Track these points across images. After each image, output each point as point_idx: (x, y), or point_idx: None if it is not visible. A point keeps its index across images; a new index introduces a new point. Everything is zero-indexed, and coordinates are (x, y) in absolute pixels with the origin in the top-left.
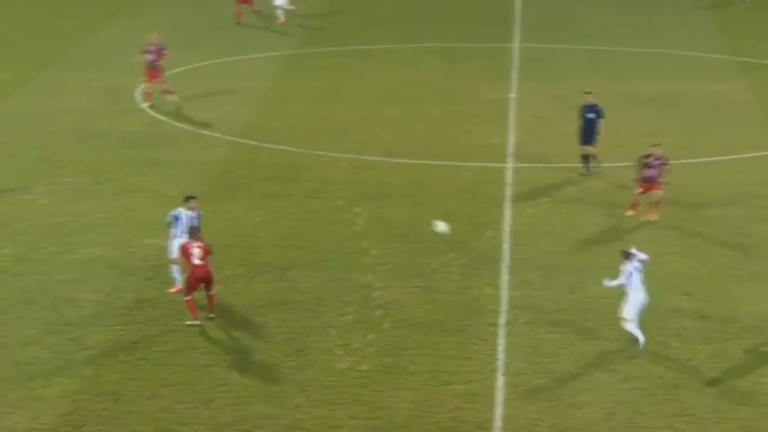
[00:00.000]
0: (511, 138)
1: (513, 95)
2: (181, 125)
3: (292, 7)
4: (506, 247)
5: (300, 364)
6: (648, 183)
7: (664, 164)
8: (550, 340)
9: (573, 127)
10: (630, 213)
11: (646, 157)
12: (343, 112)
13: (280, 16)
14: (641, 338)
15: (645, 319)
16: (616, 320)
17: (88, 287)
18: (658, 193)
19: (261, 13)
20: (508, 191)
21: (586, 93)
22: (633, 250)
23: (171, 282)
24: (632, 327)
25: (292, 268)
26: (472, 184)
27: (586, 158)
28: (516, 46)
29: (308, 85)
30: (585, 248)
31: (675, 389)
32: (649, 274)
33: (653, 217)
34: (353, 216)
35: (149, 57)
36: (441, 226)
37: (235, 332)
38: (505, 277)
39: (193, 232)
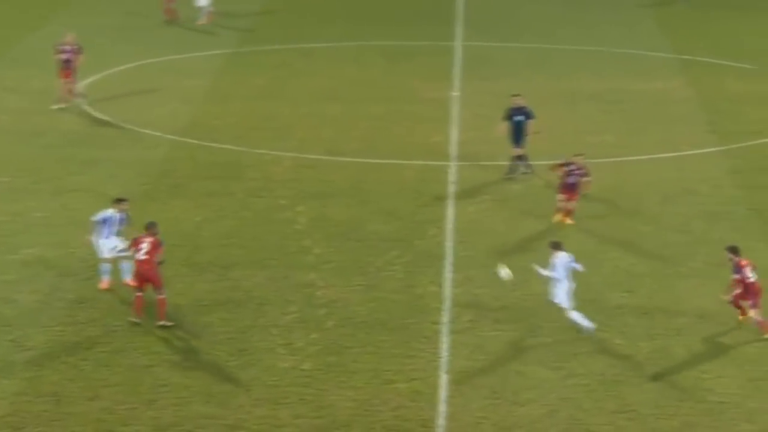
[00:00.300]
0: (454, 136)
1: (456, 93)
2: (121, 124)
3: (211, 9)
4: (449, 245)
5: (243, 363)
6: (569, 191)
7: (584, 175)
8: (494, 337)
9: None
10: (557, 218)
11: (568, 164)
12: (286, 110)
13: (202, 16)
14: (588, 324)
15: (586, 317)
16: (559, 317)
17: (28, 288)
18: (573, 203)
19: (176, 13)
20: (451, 189)
21: (514, 95)
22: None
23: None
24: (575, 316)
25: (235, 267)
26: (415, 183)
27: (519, 158)
28: (458, 44)
29: (250, 83)
30: (527, 246)
31: (617, 385)
32: (592, 272)
33: (569, 220)
34: (296, 215)
35: (63, 57)
36: (504, 273)
37: (178, 332)
38: (448, 275)
39: (151, 226)
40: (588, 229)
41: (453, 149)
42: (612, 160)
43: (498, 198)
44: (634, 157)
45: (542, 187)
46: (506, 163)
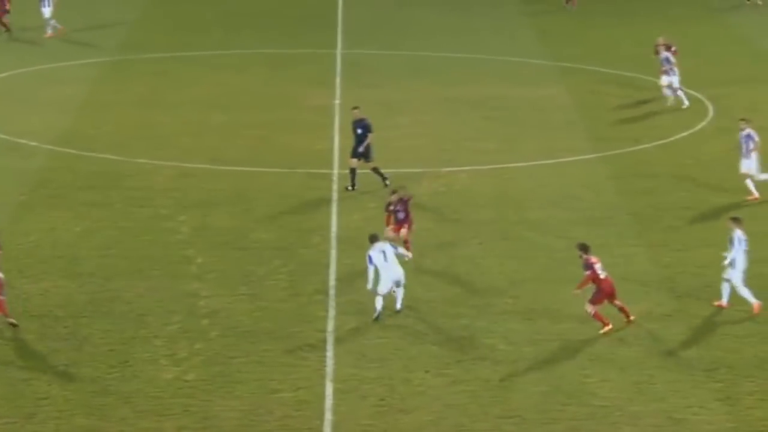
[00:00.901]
0: (337, 144)
1: (338, 101)
2: None
3: (57, 25)
4: (333, 252)
5: (125, 375)
6: (399, 224)
7: (407, 201)
8: (379, 345)
9: (398, 132)
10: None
11: (389, 205)
12: (167, 119)
13: (48, 29)
14: (379, 308)
15: (471, 323)
16: (443, 324)
17: None
18: (404, 231)
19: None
20: (335, 197)
21: (354, 108)
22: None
23: None
24: (379, 301)
25: (116, 278)
26: (299, 190)
27: (353, 171)
28: (339, 52)
29: (129, 92)
30: (413, 253)
31: (502, 391)
32: (476, 278)
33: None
34: (178, 224)
35: None
36: None
37: (57, 344)
38: (332, 283)
39: None
40: (472, 235)
41: (336, 157)
42: (493, 167)
43: (382, 205)
44: (516, 164)
45: (428, 194)
46: (391, 170)
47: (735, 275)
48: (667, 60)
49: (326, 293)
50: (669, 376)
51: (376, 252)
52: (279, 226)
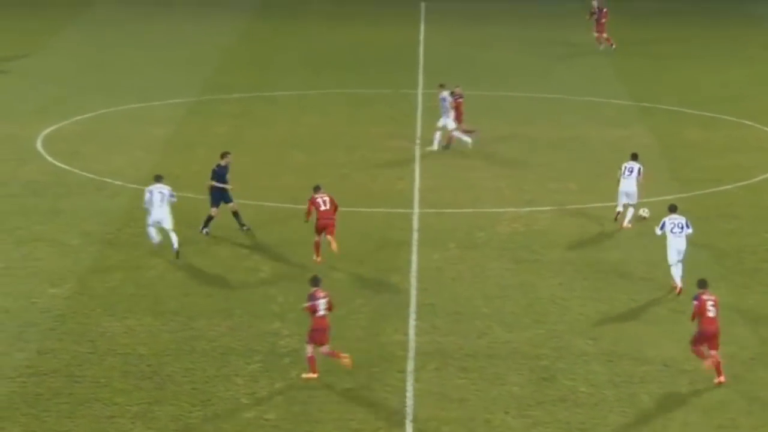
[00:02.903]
0: (417, 183)
1: (418, 141)
2: (83, 173)
3: None
4: (414, 292)
5: (206, 414)
6: (325, 230)
7: (334, 207)
8: (459, 386)
9: (476, 172)
10: (317, 259)
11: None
12: (248, 158)
13: None
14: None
15: (552, 364)
16: (523, 364)
17: None
18: (330, 237)
19: None
20: (415, 237)
21: (223, 153)
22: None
23: (75, 332)
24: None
25: (199, 316)
26: (379, 230)
27: (234, 215)
28: (420, 91)
29: (212, 132)
30: (492, 293)
31: None
32: (556, 318)
33: (334, 245)
34: (259, 263)
35: None
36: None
37: (140, 382)
38: (412, 323)
39: None
40: (552, 275)
41: (416, 197)
42: (574, 207)
43: (462, 245)
44: (596, 204)
45: (508, 235)
46: (471, 210)
47: None
48: (444, 100)
49: (406, 333)
50: (753, 420)
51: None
52: (359, 265)
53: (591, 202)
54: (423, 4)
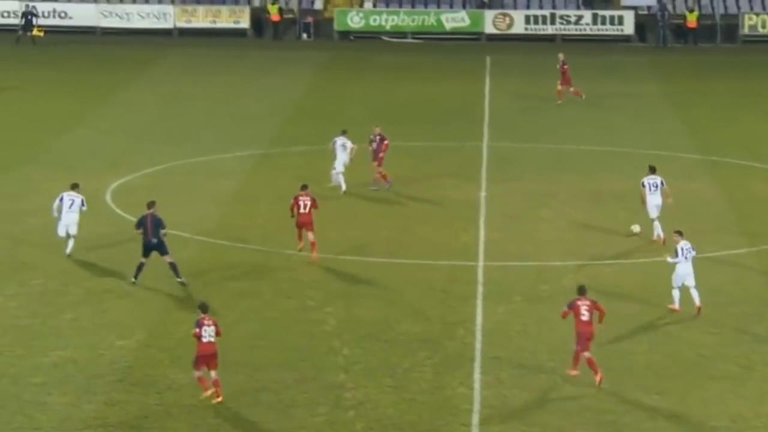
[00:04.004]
0: (482, 236)
1: (483, 193)
2: None
3: None
4: (478, 346)
5: None
6: (304, 227)
7: (314, 207)
8: None
9: (541, 224)
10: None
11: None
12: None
13: None
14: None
15: (618, 419)
16: (589, 419)
17: (58, 390)
18: (310, 234)
19: None
20: (480, 289)
21: (149, 203)
22: None
23: (143, 384)
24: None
25: (264, 368)
26: (443, 283)
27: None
28: (485, 144)
29: (278, 184)
30: (557, 347)
31: None
32: (622, 373)
33: (315, 255)
34: (324, 315)
35: None
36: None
37: None
38: (477, 377)
39: None
40: (617, 328)
41: (481, 250)
42: (639, 260)
43: (528, 298)
44: (662, 258)
45: (573, 287)
46: (535, 263)
47: None
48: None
49: (471, 386)
50: None
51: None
52: (424, 318)
53: (656, 256)
54: (488, 58)
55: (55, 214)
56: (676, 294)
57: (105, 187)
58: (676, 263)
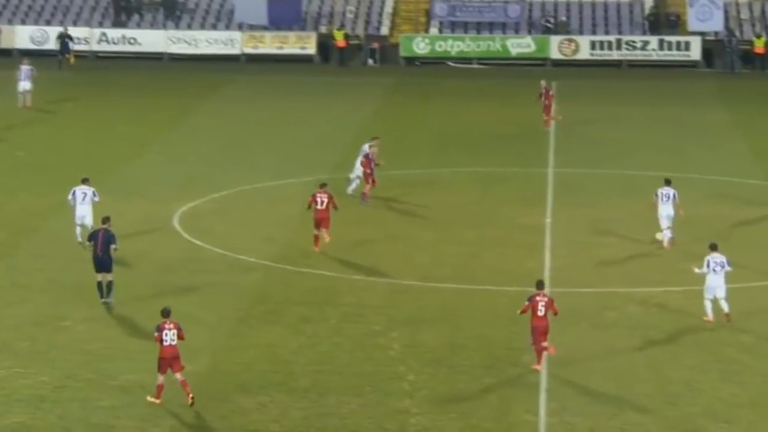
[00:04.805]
0: (547, 262)
1: (548, 219)
2: (217, 250)
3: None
4: (544, 372)
5: None
6: (322, 224)
7: (331, 204)
8: None
9: (608, 251)
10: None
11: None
12: (379, 235)
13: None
14: None
15: None
16: None
17: (125, 414)
18: (325, 232)
19: None
20: None
21: (104, 220)
22: None
23: (209, 408)
24: None
25: (330, 394)
26: (509, 309)
27: (107, 285)
28: (550, 170)
29: (343, 209)
30: (623, 374)
31: None
32: (689, 401)
33: (327, 238)
34: (390, 341)
35: None
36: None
37: None
38: (542, 404)
39: None
40: (685, 356)
41: (547, 275)
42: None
43: (593, 325)
44: (730, 285)
45: (639, 314)
46: (601, 290)
47: None
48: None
49: (536, 413)
50: None
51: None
52: (489, 344)
53: (730, 282)
54: (554, 83)
55: (72, 205)
56: (707, 305)
57: (173, 212)
58: (703, 274)
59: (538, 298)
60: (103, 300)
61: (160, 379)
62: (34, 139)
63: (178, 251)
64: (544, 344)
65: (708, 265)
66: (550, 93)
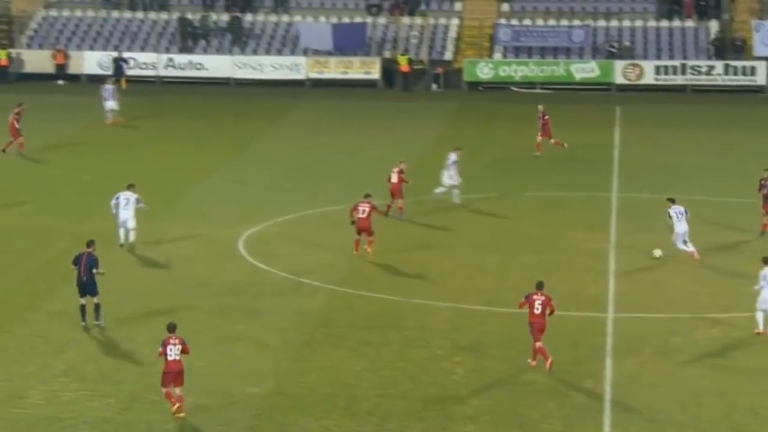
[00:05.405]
0: (611, 287)
1: (612, 244)
2: (281, 273)
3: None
4: (608, 398)
5: None
6: (364, 231)
7: (375, 209)
8: None
9: (672, 275)
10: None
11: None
12: (442, 259)
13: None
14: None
15: None
16: None
17: None
18: (368, 238)
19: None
20: (609, 341)
21: (88, 240)
22: None
23: (272, 430)
24: None
25: (393, 418)
26: (572, 334)
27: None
28: (614, 195)
29: (406, 234)
30: (688, 400)
31: None
32: (755, 428)
33: (369, 250)
34: (452, 365)
35: None
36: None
37: None
38: (607, 429)
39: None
40: (751, 383)
41: (611, 301)
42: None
43: (658, 351)
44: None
45: (705, 340)
46: (666, 315)
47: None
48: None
49: None
50: None
51: None
52: (552, 368)
53: None
54: (618, 108)
55: (114, 211)
56: (759, 316)
57: (238, 236)
58: (759, 289)
59: (534, 297)
60: (96, 322)
61: (164, 390)
62: (102, 163)
63: (243, 275)
64: (538, 344)
65: (765, 279)
66: (547, 117)
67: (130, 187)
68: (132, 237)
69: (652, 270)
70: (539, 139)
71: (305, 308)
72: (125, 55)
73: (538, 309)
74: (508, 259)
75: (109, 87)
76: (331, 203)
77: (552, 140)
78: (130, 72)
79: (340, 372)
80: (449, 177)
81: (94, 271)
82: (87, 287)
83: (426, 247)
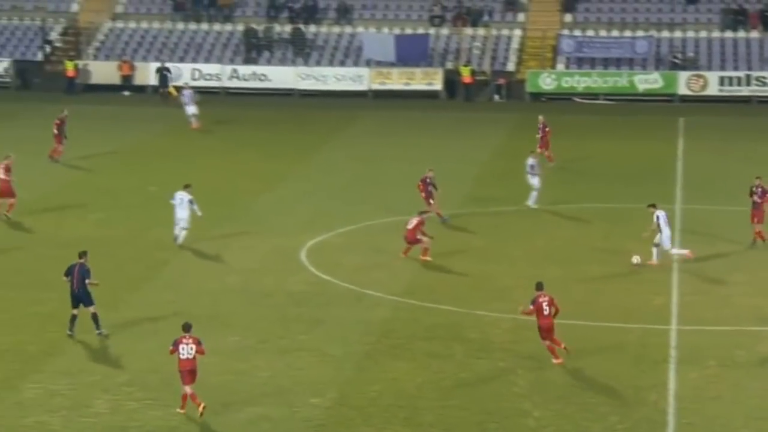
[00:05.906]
0: (675, 299)
1: (675, 257)
2: (344, 284)
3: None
4: (671, 411)
5: None
6: (409, 242)
7: (420, 225)
8: None
9: (736, 288)
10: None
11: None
12: (505, 271)
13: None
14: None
15: None
16: None
17: None
18: (424, 245)
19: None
20: (673, 354)
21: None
22: None
23: None
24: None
25: (455, 429)
26: (635, 347)
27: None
28: (678, 207)
29: (470, 246)
30: (754, 414)
31: None
32: None
33: (423, 258)
34: (515, 377)
35: None
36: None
37: None
38: None
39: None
40: None
41: (674, 313)
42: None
43: (722, 364)
44: None
45: (767, 355)
46: (732, 328)
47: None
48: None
49: None
50: None
51: None
52: (615, 381)
53: None
54: (681, 119)
55: (175, 206)
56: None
57: (300, 246)
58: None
59: (541, 299)
60: (97, 332)
61: (186, 389)
62: (167, 174)
63: (306, 285)
64: (547, 343)
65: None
66: (548, 129)
67: (186, 187)
68: (181, 237)
69: (716, 282)
70: (539, 150)
71: (368, 319)
72: (188, 66)
73: (546, 310)
74: (571, 270)
75: (187, 92)
76: (393, 214)
77: (546, 152)
78: (194, 84)
79: (402, 383)
80: (532, 179)
81: (87, 281)
82: (80, 298)
83: (488, 258)
